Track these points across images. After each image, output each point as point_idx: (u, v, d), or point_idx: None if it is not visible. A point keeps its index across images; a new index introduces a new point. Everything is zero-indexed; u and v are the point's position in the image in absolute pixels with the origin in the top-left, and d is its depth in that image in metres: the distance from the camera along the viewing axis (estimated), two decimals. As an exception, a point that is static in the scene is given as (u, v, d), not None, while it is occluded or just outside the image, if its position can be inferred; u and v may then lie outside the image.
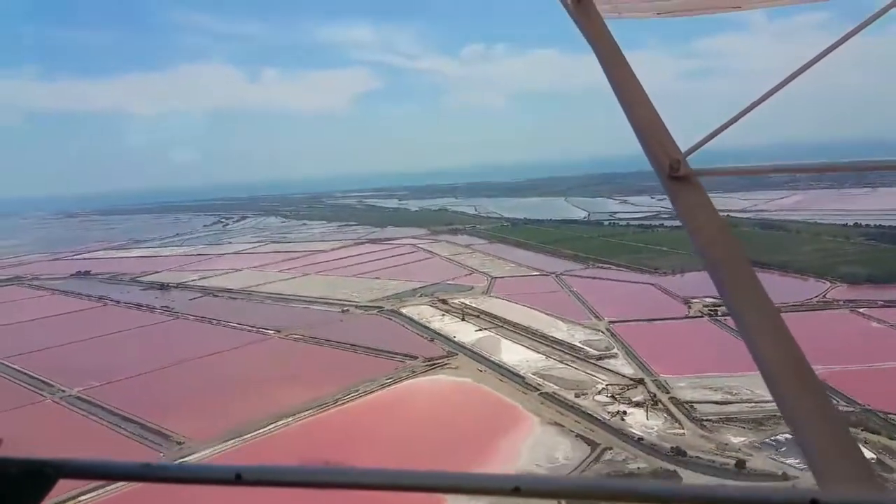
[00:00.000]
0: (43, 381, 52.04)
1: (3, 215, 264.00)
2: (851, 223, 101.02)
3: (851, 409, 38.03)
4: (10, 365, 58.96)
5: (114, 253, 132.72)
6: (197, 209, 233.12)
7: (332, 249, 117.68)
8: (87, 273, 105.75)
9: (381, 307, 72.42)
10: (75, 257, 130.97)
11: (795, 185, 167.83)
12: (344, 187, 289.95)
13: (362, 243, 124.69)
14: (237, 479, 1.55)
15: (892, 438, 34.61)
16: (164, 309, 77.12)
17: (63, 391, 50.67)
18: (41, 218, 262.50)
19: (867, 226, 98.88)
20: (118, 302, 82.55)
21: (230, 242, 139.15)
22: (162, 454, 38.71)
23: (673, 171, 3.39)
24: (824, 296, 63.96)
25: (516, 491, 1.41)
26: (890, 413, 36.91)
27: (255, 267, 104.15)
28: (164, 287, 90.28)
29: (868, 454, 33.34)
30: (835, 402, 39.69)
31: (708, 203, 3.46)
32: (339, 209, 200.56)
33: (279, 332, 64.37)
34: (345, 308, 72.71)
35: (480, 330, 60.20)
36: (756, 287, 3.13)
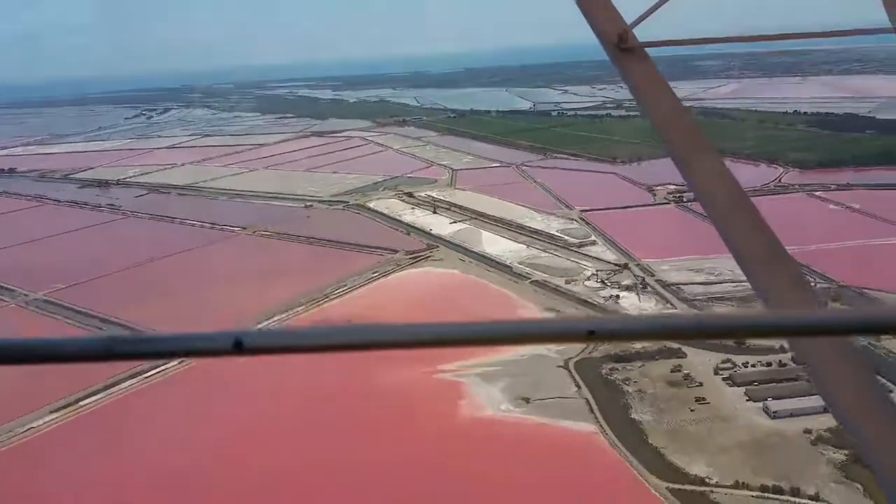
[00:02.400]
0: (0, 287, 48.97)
1: None
2: (791, 111, 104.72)
3: (828, 286, 40.86)
4: (-44, 270, 54.97)
5: (35, 149, 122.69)
6: (113, 101, 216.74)
7: (276, 143, 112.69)
8: (11, 171, 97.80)
9: (345, 202, 70.86)
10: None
11: (729, 74, 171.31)
12: (269, 77, 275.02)
13: (307, 136, 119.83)
14: (237, 347, 1.24)
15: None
16: (110, 207, 72.76)
17: (26, 295, 47.93)
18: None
19: (805, 113, 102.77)
20: (57, 201, 77.17)
21: (160, 136, 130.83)
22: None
23: (622, 43, 3.27)
24: (779, 180, 66.98)
25: (591, 335, 1.30)
26: (864, 288, 39.92)
27: (196, 162, 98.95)
28: (102, 184, 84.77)
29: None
30: (812, 280, 42.60)
31: (659, 77, 3.39)
32: (270, 100, 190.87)
33: (245, 228, 62.28)
34: (308, 203, 70.75)
35: (455, 222, 60.13)
36: (718, 165, 3.07)
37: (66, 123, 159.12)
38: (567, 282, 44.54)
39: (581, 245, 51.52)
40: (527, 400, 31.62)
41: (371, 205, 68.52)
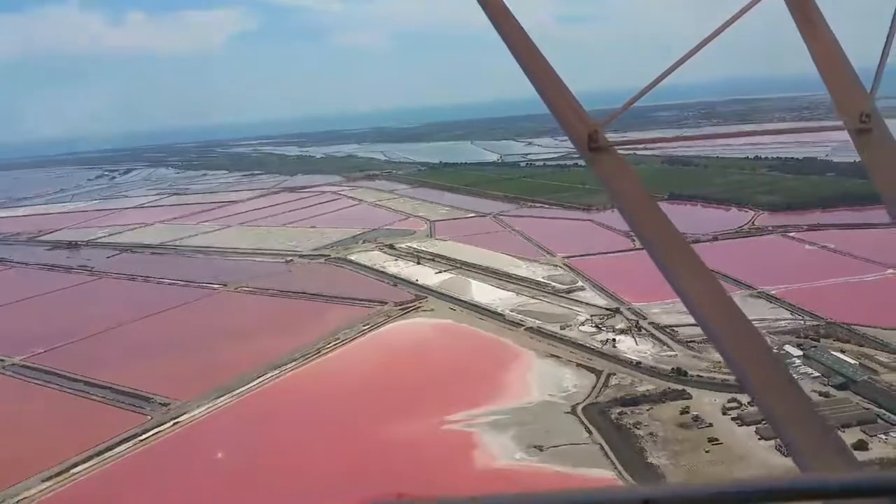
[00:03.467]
0: (-26, 353, 46.70)
1: None
2: (752, 156, 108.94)
3: (817, 322, 41.83)
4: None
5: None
6: (72, 163, 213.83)
7: (248, 199, 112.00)
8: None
9: (326, 255, 70.38)
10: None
11: (685, 124, 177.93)
12: (232, 136, 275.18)
13: (277, 192, 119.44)
14: None
15: (861, 346, 38.51)
16: (83, 268, 70.73)
17: (2, 360, 45.78)
18: None
19: (766, 158, 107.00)
20: (26, 263, 74.76)
21: (126, 196, 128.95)
22: (150, 417, 36.24)
23: (592, 143, 3.48)
24: (753, 223, 69.05)
25: None
26: (852, 324, 40.96)
27: (166, 220, 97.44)
28: (72, 245, 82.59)
29: (850, 360, 37.10)
30: (801, 318, 43.55)
31: (629, 171, 3.64)
32: (236, 158, 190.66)
33: (226, 285, 61.12)
34: (288, 258, 70.00)
35: (440, 272, 60.11)
36: (685, 249, 3.40)
37: (26, 185, 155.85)
38: (562, 327, 44.63)
39: (570, 291, 51.92)
40: (540, 448, 31.18)
41: (353, 257, 68.15)
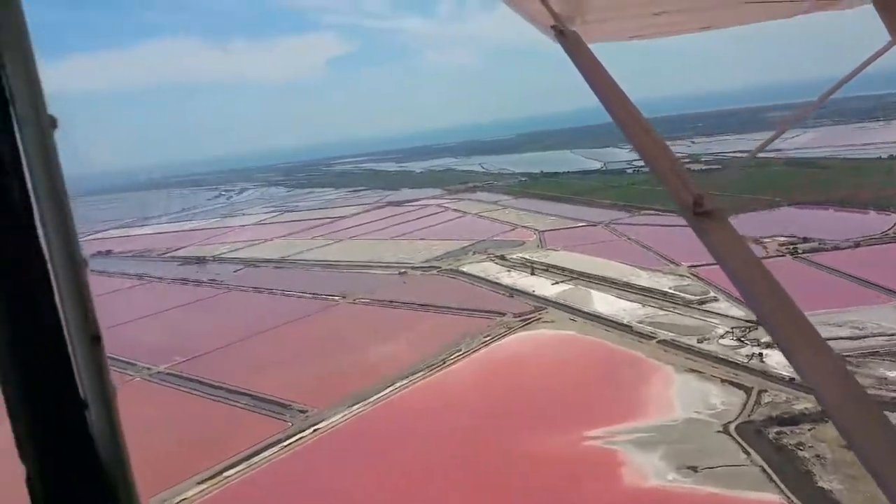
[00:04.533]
0: (123, 361, 49.91)
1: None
2: (885, 156, 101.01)
3: None
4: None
5: (126, 231, 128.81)
6: (190, 184, 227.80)
7: (355, 214, 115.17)
8: (108, 252, 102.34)
9: (438, 267, 70.86)
10: (86, 238, 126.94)
11: (803, 125, 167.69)
12: (332, 154, 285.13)
13: (382, 206, 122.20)
14: None
15: None
16: (213, 282, 74.78)
17: (149, 369, 48.72)
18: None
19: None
20: (160, 278, 79.90)
21: (244, 214, 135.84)
22: (290, 423, 37.30)
23: (697, 208, 3.47)
24: (897, 227, 63.80)
25: None
26: None
27: (283, 236, 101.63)
28: (200, 261, 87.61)
29: None
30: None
31: (737, 238, 3.56)
32: (339, 176, 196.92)
33: (344, 297, 62.64)
34: (401, 270, 71.02)
35: (557, 283, 58.93)
36: (802, 322, 3.13)
37: (149, 207, 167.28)
38: (699, 340, 42.36)
39: (702, 302, 49.38)
40: (694, 469, 29.42)
41: (465, 269, 68.15)
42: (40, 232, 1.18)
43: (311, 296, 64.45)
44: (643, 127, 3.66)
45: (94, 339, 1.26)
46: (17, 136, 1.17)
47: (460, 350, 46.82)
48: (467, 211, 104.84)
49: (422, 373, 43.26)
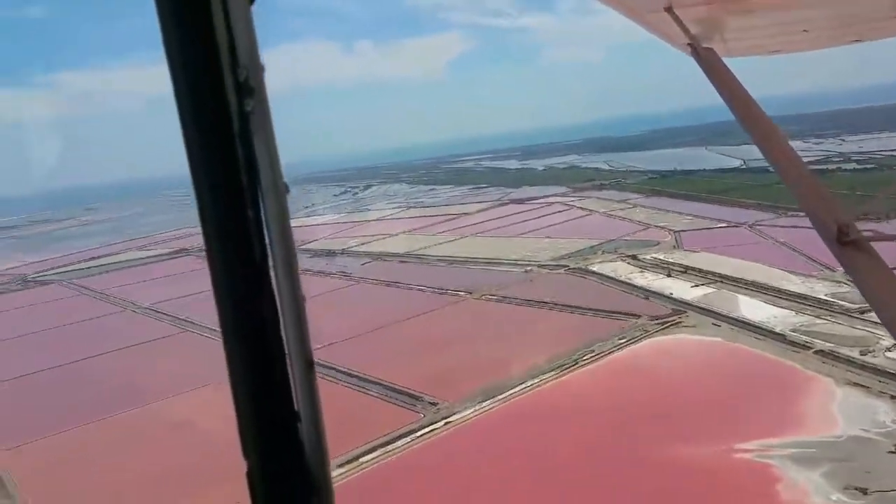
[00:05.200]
0: (263, 346, 52.50)
1: (144, 194, 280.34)
2: None
3: None
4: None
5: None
6: (318, 180, 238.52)
7: (478, 211, 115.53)
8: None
9: (565, 265, 69.27)
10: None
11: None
12: (454, 152, 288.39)
13: (505, 204, 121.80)
14: None
15: None
16: (342, 274, 77.51)
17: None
18: (177, 194, 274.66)
19: None
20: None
21: (369, 209, 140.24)
22: (422, 415, 37.54)
23: (842, 237, 3.49)
24: None
25: None
26: None
27: (408, 231, 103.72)
28: (330, 254, 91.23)
29: None
30: None
31: (884, 268, 3.40)
32: (460, 173, 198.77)
33: (471, 293, 62.63)
34: (527, 268, 70.09)
35: (697, 286, 55.69)
36: None
37: (298, 199, 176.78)
38: (862, 353, 38.33)
39: (863, 311, 44.63)
40: (864, 491, 26.46)
41: (594, 268, 66.07)
42: (273, 280, 1.45)
43: (437, 290, 64.97)
44: (781, 147, 3.47)
45: (309, 364, 1.55)
46: (261, 202, 1.40)
47: (593, 351, 45.21)
48: (594, 209, 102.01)
49: (553, 373, 42.13)
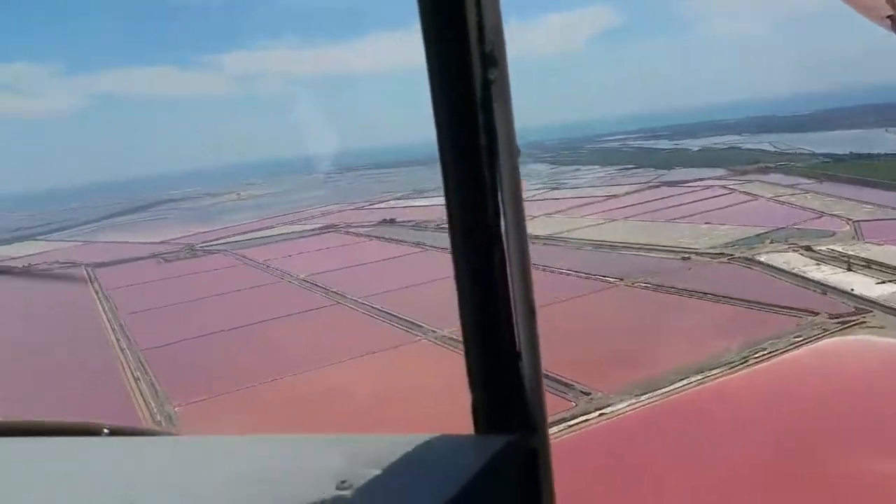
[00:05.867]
0: (410, 322, 53.19)
1: (292, 172, 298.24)
2: None
3: None
4: (370, 304, 62.07)
5: (405, 202, 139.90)
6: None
7: (627, 194, 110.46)
8: (392, 220, 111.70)
9: (728, 254, 64.07)
10: (372, 206, 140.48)
11: None
12: (599, 131, 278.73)
13: (656, 186, 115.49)
14: None
15: None
16: (486, 254, 76.91)
17: (434, 332, 51.23)
18: (322, 173, 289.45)
19: None
20: (437, 247, 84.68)
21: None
22: (574, 404, 35.94)
23: None
24: None
25: None
26: None
27: (550, 213, 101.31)
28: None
29: None
30: None
31: None
32: (605, 153, 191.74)
33: (622, 279, 59.59)
34: (684, 256, 65.66)
35: (883, 283, 49.22)
36: None
37: (422, 180, 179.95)
38: None
39: None
40: None
41: (762, 258, 60.41)
42: (503, 238, 1.64)
43: (584, 275, 62.49)
44: None
45: (531, 311, 1.75)
46: (498, 164, 1.56)
47: (765, 349, 41.11)
48: (758, 194, 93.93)
49: (719, 370, 38.63)
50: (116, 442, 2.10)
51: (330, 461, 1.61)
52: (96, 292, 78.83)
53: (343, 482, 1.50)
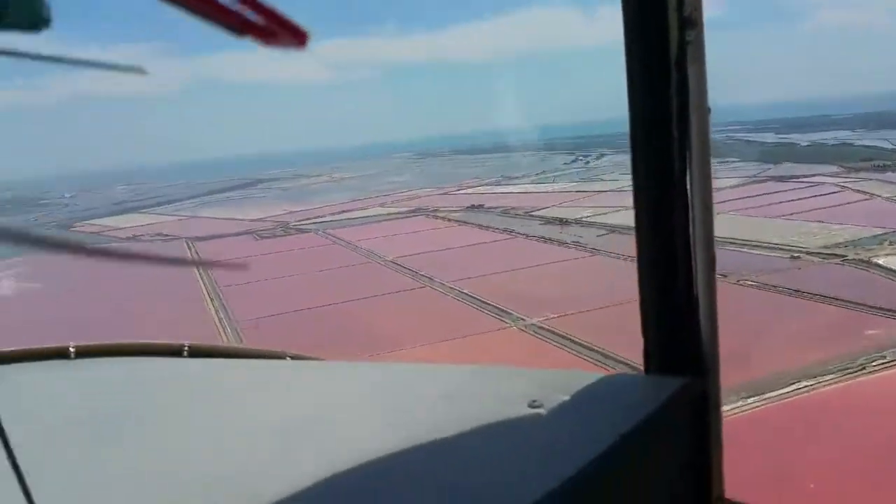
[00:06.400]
0: (499, 308, 52.33)
1: (380, 157, 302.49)
2: None
3: None
4: (458, 288, 61.69)
5: (492, 188, 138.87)
6: (546, 148, 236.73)
7: (731, 188, 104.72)
8: (480, 206, 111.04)
9: (842, 255, 59.47)
10: (459, 192, 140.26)
11: None
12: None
13: (763, 181, 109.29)
14: None
15: None
16: (576, 244, 75.03)
17: (523, 320, 50.19)
18: (409, 158, 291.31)
19: None
20: (525, 235, 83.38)
21: (602, 179, 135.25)
22: (673, 406, 34.21)
23: None
24: None
25: None
26: None
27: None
28: (563, 222, 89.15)
29: None
30: None
31: None
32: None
33: (726, 276, 56.29)
34: (793, 255, 61.50)
35: None
36: None
37: (511, 167, 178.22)
38: None
39: None
40: None
41: (880, 261, 55.49)
42: (688, 187, 1.74)
43: (682, 269, 59.69)
44: None
45: (711, 262, 1.80)
46: (689, 120, 1.68)
47: (884, 357, 37.73)
48: (875, 193, 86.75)
49: (832, 376, 35.80)
50: (302, 365, 2.42)
51: (516, 387, 1.77)
52: (197, 268, 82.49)
53: (534, 401, 1.69)
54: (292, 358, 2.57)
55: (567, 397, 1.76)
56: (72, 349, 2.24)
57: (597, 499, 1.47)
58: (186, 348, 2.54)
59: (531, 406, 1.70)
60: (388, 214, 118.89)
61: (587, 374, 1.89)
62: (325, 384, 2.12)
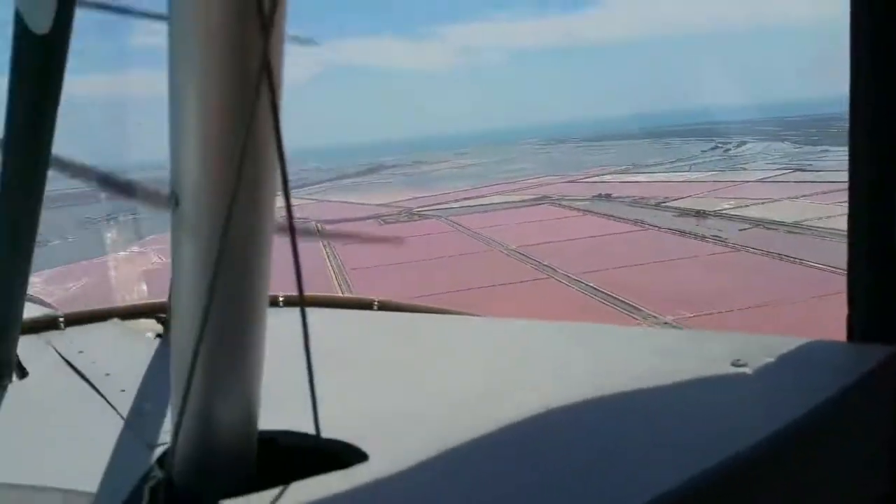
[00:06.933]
0: (628, 304, 49.41)
1: (506, 143, 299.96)
2: None
3: None
4: (583, 281, 59.27)
5: (622, 177, 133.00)
6: (679, 134, 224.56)
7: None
8: (608, 196, 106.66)
9: None
10: (586, 180, 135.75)
11: None
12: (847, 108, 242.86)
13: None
14: None
15: None
16: (716, 238, 69.84)
17: (655, 318, 47.11)
18: (536, 144, 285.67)
19: None
20: (658, 227, 78.86)
21: (744, 169, 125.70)
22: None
23: None
24: None
25: None
26: None
27: (794, 197, 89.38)
28: (699, 214, 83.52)
29: None
30: None
31: None
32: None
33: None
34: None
35: None
36: None
37: (645, 154, 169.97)
38: None
39: None
40: None
41: None
42: None
43: (839, 271, 53.57)
44: None
45: None
46: None
47: None
48: None
49: None
50: (479, 321, 2.59)
51: (716, 349, 1.71)
52: (324, 247, 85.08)
53: (738, 360, 1.61)
54: (477, 316, 2.74)
55: (772, 359, 1.60)
56: (281, 299, 2.37)
57: (800, 457, 1.41)
58: (376, 303, 2.74)
59: (734, 365, 1.59)
60: (512, 202, 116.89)
61: (790, 339, 1.73)
62: (521, 342, 2.10)
